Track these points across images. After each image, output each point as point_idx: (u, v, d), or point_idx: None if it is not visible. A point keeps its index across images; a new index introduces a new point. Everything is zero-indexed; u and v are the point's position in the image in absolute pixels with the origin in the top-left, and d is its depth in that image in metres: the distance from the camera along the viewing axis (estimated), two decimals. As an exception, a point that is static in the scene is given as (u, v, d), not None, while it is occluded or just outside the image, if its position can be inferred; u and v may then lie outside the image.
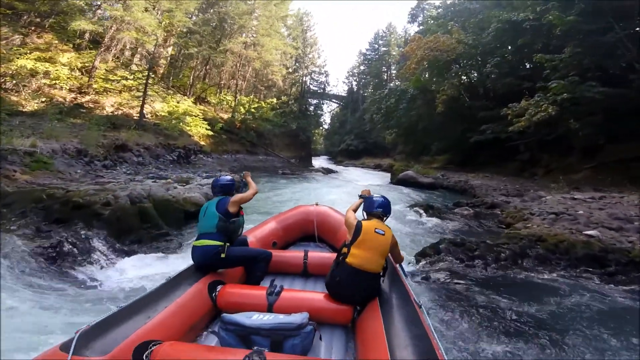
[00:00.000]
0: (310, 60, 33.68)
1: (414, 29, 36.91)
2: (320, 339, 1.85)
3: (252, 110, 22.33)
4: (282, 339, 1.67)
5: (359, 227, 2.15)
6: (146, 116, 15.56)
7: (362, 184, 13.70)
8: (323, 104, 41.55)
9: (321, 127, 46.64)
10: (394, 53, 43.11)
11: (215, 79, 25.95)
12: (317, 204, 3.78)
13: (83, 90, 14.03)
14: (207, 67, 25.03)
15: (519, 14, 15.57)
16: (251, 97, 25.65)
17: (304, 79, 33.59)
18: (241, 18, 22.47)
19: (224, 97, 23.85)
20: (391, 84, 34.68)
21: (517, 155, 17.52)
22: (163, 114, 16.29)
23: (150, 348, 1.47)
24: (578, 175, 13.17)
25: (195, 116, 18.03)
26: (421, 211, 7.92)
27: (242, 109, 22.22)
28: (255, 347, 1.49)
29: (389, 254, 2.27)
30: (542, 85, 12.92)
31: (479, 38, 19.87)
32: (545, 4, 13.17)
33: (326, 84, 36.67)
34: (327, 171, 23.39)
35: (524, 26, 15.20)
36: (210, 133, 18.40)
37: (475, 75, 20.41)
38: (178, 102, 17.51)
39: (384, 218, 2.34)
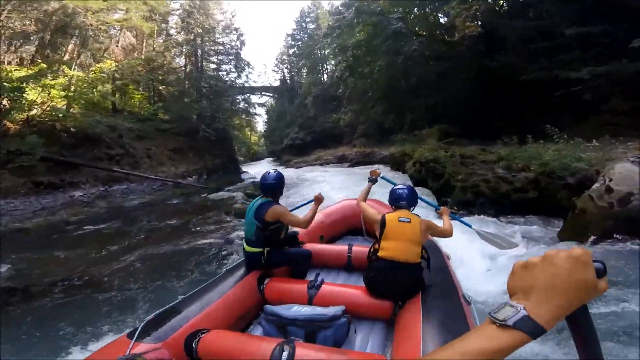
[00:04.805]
0: (205, 11, 20.16)
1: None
2: (355, 332, 1.85)
3: (40, 84, 9.31)
4: (316, 329, 1.71)
5: (383, 220, 2.07)
6: None
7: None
8: (250, 99, 30.04)
9: (252, 117, 34.18)
10: (324, 28, 36.92)
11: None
12: None
13: None
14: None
15: None
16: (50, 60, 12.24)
17: (201, 41, 20.49)
18: None
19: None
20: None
21: (599, 108, 9.06)
22: None
23: (199, 336, 1.58)
24: None
25: None
26: None
27: (8, 86, 9.19)
28: (290, 337, 1.58)
29: (433, 239, 2.31)
30: None
31: None
32: None
33: (240, 45, 23.73)
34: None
35: None
36: None
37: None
38: None
39: (411, 209, 2.19)
